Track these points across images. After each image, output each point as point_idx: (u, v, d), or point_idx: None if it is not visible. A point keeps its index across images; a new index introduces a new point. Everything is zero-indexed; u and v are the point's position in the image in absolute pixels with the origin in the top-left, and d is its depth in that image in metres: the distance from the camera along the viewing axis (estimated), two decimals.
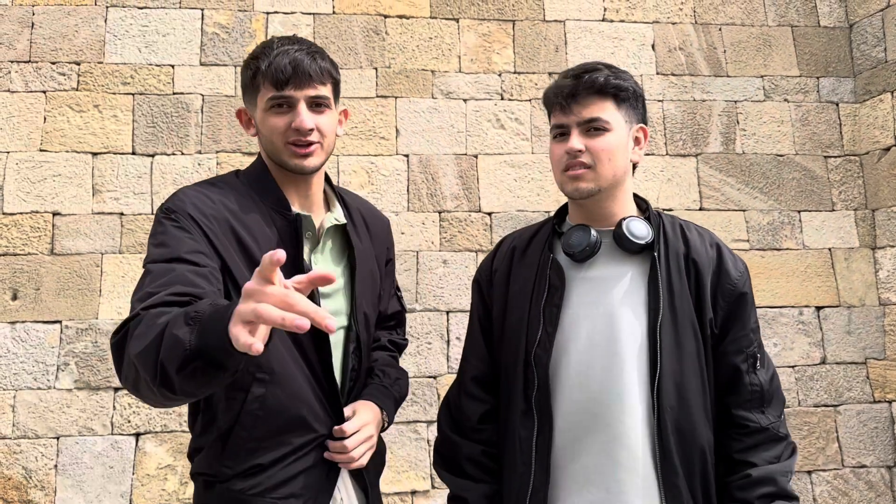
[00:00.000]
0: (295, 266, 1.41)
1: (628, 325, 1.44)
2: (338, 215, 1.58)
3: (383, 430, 1.59)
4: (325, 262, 1.54)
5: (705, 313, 1.47)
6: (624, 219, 1.51)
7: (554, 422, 1.44)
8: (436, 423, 1.72)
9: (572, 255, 1.50)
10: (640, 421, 1.40)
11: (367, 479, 1.53)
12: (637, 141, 1.57)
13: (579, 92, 1.48)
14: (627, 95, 1.51)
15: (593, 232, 1.50)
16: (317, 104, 1.48)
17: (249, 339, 0.89)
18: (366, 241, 1.65)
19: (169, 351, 1.03)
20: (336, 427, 1.44)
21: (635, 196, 1.63)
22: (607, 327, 1.44)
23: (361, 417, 1.48)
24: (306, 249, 1.49)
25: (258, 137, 1.53)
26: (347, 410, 1.48)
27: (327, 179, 1.65)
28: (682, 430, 1.40)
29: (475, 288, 1.69)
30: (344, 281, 1.56)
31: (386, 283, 1.76)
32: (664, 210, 3.84)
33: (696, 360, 1.45)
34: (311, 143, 1.46)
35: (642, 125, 1.58)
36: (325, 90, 1.49)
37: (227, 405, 1.38)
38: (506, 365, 1.55)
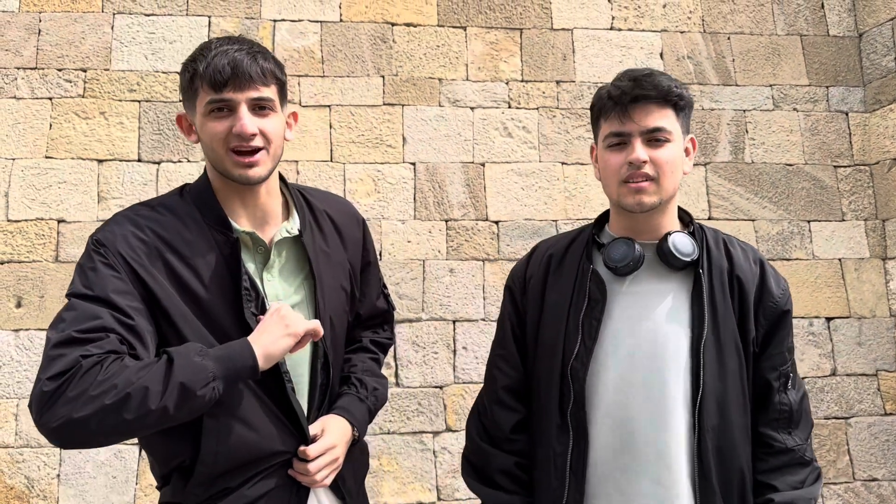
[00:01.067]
0: (236, 289, 1.36)
1: (672, 343, 1.40)
2: (291, 226, 1.48)
3: (355, 443, 1.52)
4: (278, 278, 1.45)
5: (748, 331, 1.43)
6: (669, 233, 1.45)
7: (590, 437, 1.41)
8: (465, 431, 1.68)
9: (615, 269, 1.44)
10: (681, 440, 1.37)
11: (343, 488, 1.48)
12: (687, 152, 1.51)
13: (642, 98, 1.40)
14: (685, 104, 1.46)
15: (637, 246, 1.44)
16: (260, 107, 1.37)
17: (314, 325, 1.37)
18: (335, 246, 1.55)
19: (192, 375, 1.20)
20: (300, 448, 1.39)
21: (679, 208, 1.57)
22: (650, 344, 1.40)
23: (328, 439, 1.41)
24: (252, 267, 1.42)
25: (201, 146, 1.43)
26: (315, 428, 1.42)
27: (285, 183, 1.55)
28: (722, 450, 1.37)
29: (507, 294, 1.63)
30: (304, 294, 1.48)
31: (368, 286, 1.68)
32: None
33: (739, 378, 1.41)
34: (255, 150, 1.36)
35: (692, 136, 1.53)
36: (269, 92, 1.39)
37: (182, 444, 1.34)
38: (539, 377, 1.51)
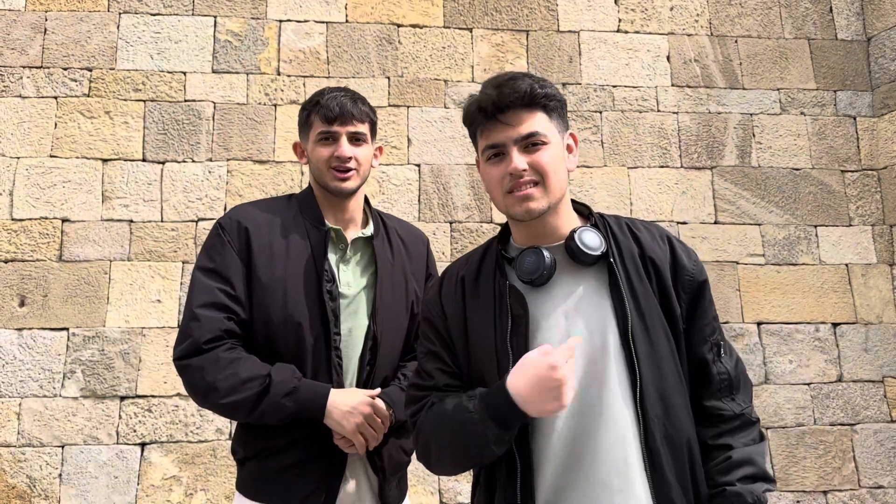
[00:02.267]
0: (317, 269, 1.75)
1: (600, 339, 1.37)
2: (367, 230, 1.87)
3: (394, 425, 1.73)
4: (351, 270, 1.82)
5: (673, 309, 1.42)
6: (574, 231, 1.42)
7: (538, 459, 1.35)
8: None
9: (530, 281, 1.41)
10: (628, 436, 1.33)
11: (378, 464, 1.73)
12: (569, 149, 1.48)
13: (508, 106, 1.38)
14: (556, 104, 1.43)
15: (546, 253, 1.40)
16: (356, 139, 1.81)
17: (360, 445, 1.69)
18: (399, 256, 1.89)
19: (273, 412, 1.63)
20: None
21: (574, 202, 1.54)
22: (581, 348, 1.35)
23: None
24: (333, 258, 1.80)
25: (308, 166, 1.87)
26: None
27: (368, 203, 1.95)
28: (670, 436, 1.34)
29: (427, 327, 1.53)
30: (366, 284, 1.81)
31: None
32: (679, 224, 3.79)
33: (672, 360, 1.39)
34: (349, 170, 1.79)
35: (571, 132, 1.50)
36: (364, 128, 1.83)
37: None
38: None
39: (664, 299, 1.42)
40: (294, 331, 1.71)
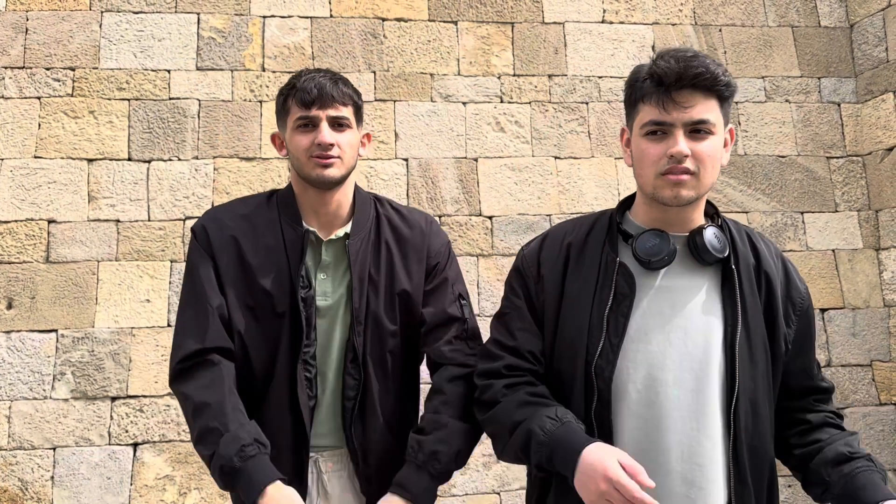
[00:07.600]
0: (291, 275, 1.63)
1: (704, 340, 1.35)
2: (342, 231, 1.71)
3: None
4: (329, 277, 1.68)
5: (778, 328, 1.40)
6: (702, 227, 1.39)
7: (615, 438, 1.35)
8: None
9: (647, 262, 1.37)
10: (715, 440, 1.33)
11: (366, 488, 1.64)
12: (725, 143, 1.42)
13: (686, 86, 1.30)
14: (731, 93, 1.36)
15: (672, 240, 1.38)
16: (338, 124, 1.64)
17: None
18: (388, 254, 1.72)
19: (217, 468, 1.46)
20: None
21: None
22: (681, 341, 1.35)
23: None
24: (310, 264, 1.67)
25: (289, 158, 1.70)
26: None
27: (361, 194, 1.78)
28: (755, 448, 1.35)
29: (518, 281, 1.52)
30: (344, 293, 1.67)
31: (433, 292, 1.74)
32: None
33: (766, 376, 1.38)
34: (331, 157, 1.62)
35: (731, 126, 1.43)
36: (347, 111, 1.65)
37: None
38: (561, 375, 1.43)
39: (769, 316, 1.40)
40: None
